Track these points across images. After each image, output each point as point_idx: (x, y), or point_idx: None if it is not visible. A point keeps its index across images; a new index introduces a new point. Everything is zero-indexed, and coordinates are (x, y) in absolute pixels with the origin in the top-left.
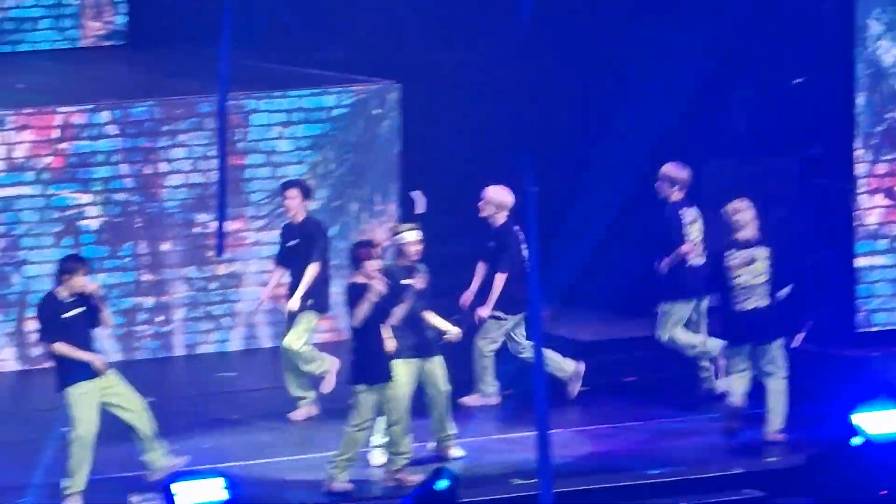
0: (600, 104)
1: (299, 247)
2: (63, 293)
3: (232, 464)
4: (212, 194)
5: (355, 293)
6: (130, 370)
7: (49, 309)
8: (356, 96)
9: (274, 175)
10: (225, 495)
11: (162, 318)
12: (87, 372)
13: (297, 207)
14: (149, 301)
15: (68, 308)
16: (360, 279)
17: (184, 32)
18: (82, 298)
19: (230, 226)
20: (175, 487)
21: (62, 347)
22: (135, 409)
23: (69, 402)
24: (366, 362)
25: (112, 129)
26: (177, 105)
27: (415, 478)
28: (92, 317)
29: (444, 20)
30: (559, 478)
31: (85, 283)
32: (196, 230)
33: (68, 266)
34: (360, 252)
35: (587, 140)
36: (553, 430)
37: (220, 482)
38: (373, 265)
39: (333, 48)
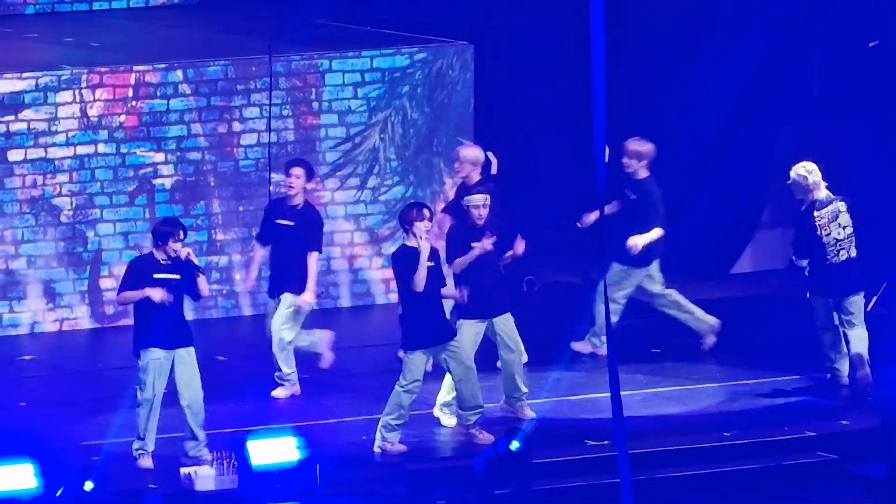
0: (674, 67)
1: (295, 229)
2: (159, 255)
3: (302, 423)
4: (285, 153)
5: (408, 257)
6: (203, 329)
7: (141, 265)
8: (430, 56)
9: (348, 135)
10: (298, 454)
11: (236, 277)
12: (162, 340)
13: (299, 187)
14: (222, 260)
15: (162, 270)
16: (411, 242)
17: None
18: (179, 265)
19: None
20: (250, 445)
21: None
22: (192, 394)
23: (140, 365)
24: (421, 327)
25: (186, 88)
26: (250, 64)
27: (487, 436)
28: (186, 285)
29: None
30: (633, 439)
31: (179, 247)
32: (270, 189)
33: (163, 230)
34: (410, 215)
35: (660, 104)
36: (628, 392)
37: (293, 441)
38: (422, 227)
39: (407, 8)
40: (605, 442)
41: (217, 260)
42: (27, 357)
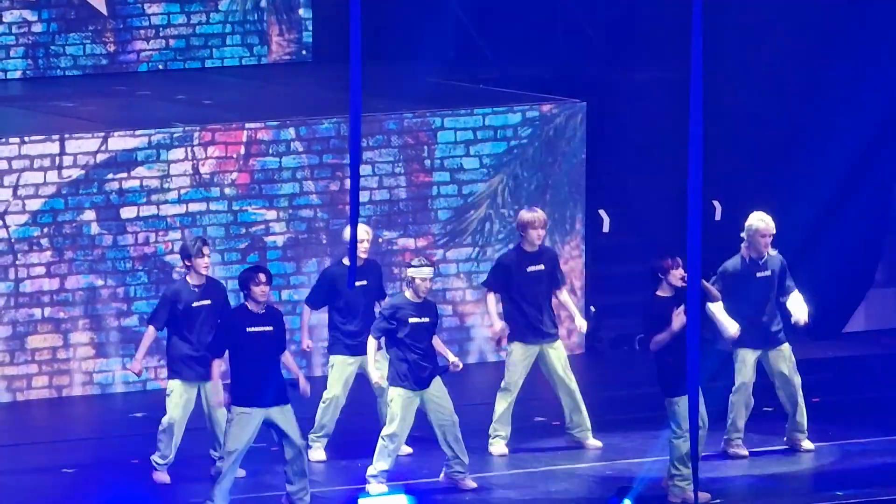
0: (791, 122)
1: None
2: (251, 305)
3: (417, 481)
4: (397, 211)
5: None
6: (315, 385)
7: (234, 318)
8: (542, 114)
9: (460, 192)
10: None
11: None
12: (256, 399)
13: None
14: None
15: (255, 322)
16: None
17: (369, 50)
18: (271, 315)
19: (417, 243)
20: (362, 503)
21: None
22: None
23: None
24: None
25: (298, 146)
26: (363, 122)
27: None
28: (277, 337)
29: (629, 38)
30: (749, 499)
31: (264, 291)
32: (382, 247)
33: (242, 277)
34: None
35: (779, 158)
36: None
37: (404, 499)
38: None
39: (520, 66)
40: (718, 501)
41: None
42: (139, 414)
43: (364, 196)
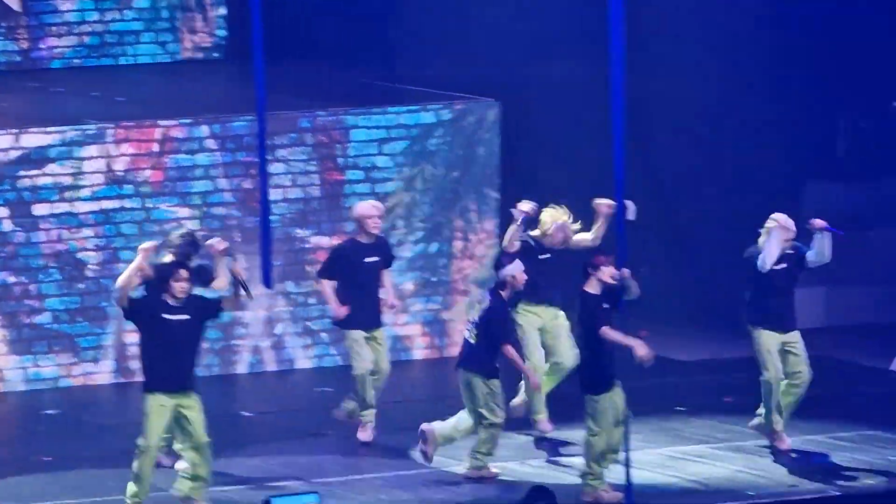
0: (702, 123)
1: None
2: (168, 298)
3: (328, 479)
4: (311, 209)
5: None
6: (228, 384)
7: (148, 307)
8: (456, 113)
9: (373, 191)
10: None
11: (260, 332)
12: (165, 384)
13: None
14: (247, 315)
15: (171, 311)
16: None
17: (283, 48)
18: (189, 304)
19: (331, 241)
20: None
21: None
22: (197, 443)
23: (143, 409)
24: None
25: (211, 143)
26: (276, 120)
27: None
28: (194, 326)
29: (542, 37)
30: (656, 499)
31: (184, 287)
32: (295, 245)
33: (166, 270)
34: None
35: (689, 157)
36: (648, 450)
37: (314, 500)
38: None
39: (433, 65)
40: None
41: (241, 315)
42: (52, 411)
43: (278, 194)
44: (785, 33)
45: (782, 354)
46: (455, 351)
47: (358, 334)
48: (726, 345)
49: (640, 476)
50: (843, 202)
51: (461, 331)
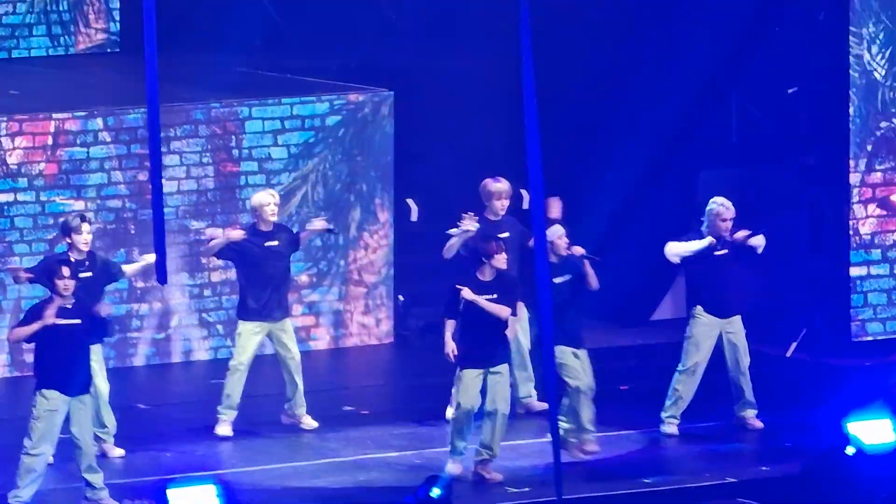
0: (595, 114)
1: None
2: (59, 299)
3: (226, 471)
4: (205, 201)
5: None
6: (125, 376)
7: (39, 306)
8: (350, 104)
9: (268, 182)
10: (217, 502)
11: (156, 324)
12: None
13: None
14: (143, 308)
15: (62, 313)
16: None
17: (176, 39)
18: (79, 307)
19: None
20: (170, 493)
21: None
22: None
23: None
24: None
25: (106, 136)
26: (170, 112)
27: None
28: (86, 329)
29: (436, 28)
30: (553, 485)
31: (68, 284)
32: (190, 237)
33: (49, 268)
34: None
35: (583, 148)
36: (545, 439)
37: (213, 489)
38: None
39: (327, 56)
40: (526, 489)
41: (137, 308)
42: None
43: (172, 186)
44: (675, 21)
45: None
46: (351, 341)
47: (249, 326)
48: (621, 333)
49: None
50: (737, 189)
51: (357, 321)
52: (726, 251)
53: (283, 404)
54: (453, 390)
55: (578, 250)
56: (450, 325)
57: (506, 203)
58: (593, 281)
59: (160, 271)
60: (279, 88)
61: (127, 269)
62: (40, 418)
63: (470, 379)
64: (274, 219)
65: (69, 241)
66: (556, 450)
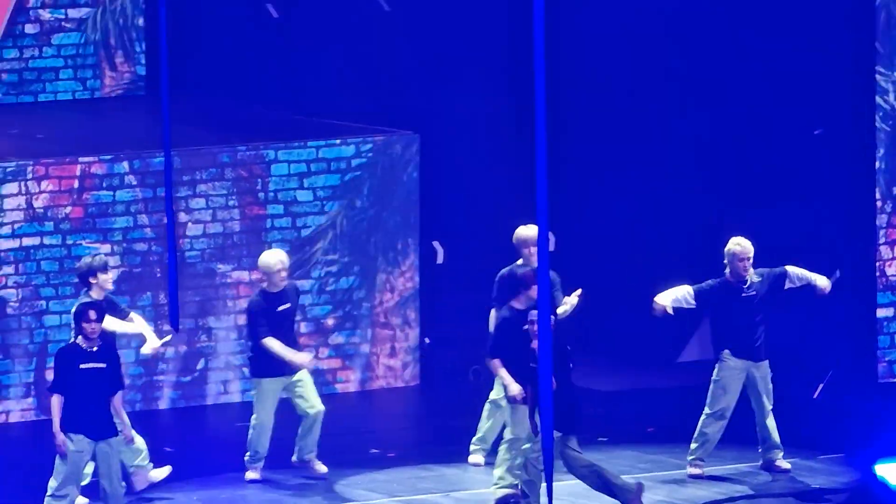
0: (617, 159)
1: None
2: (81, 342)
3: None
4: (231, 244)
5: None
6: (151, 420)
7: (67, 355)
8: (375, 146)
9: (294, 225)
10: None
11: (182, 367)
12: (87, 428)
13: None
14: (169, 351)
15: (87, 358)
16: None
17: (201, 83)
18: (104, 351)
19: (251, 275)
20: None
21: (55, 401)
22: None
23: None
24: None
25: (132, 179)
26: (196, 155)
27: None
28: (112, 374)
29: (460, 70)
30: None
31: (96, 328)
32: (216, 280)
33: (75, 314)
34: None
35: (606, 193)
36: (570, 480)
37: None
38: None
39: (352, 99)
40: None
41: (163, 351)
42: None
43: (198, 229)
44: (698, 63)
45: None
46: (377, 384)
47: (267, 383)
48: (647, 375)
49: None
50: (762, 230)
51: (383, 363)
52: (754, 293)
53: (295, 446)
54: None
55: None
56: (498, 365)
57: (285, 275)
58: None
59: (173, 318)
60: (305, 131)
61: (132, 321)
62: (65, 460)
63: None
64: (285, 283)
65: (93, 282)
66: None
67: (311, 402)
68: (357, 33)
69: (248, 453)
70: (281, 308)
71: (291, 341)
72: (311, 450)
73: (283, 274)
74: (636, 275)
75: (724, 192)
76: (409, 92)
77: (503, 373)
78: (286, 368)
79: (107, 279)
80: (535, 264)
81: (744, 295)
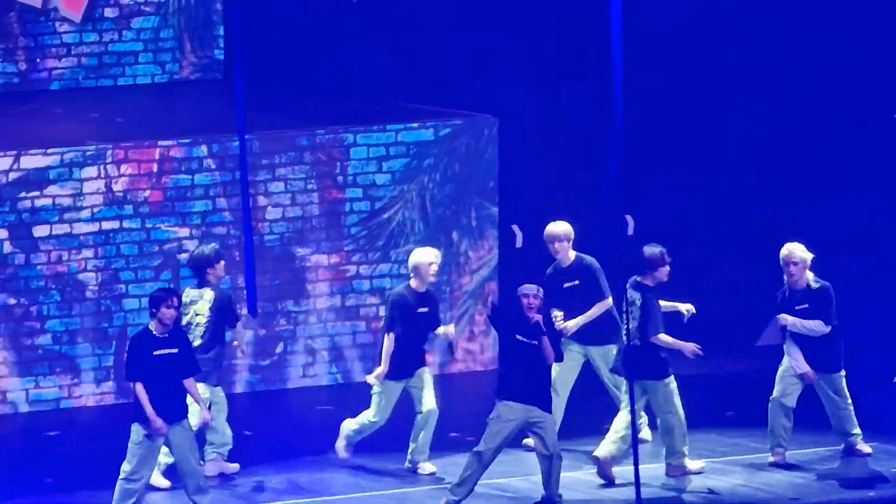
0: (698, 144)
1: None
2: (155, 328)
3: (333, 497)
4: (310, 228)
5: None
6: (229, 403)
7: (141, 342)
8: (454, 130)
9: (372, 208)
10: None
11: (261, 351)
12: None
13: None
14: (248, 334)
15: (160, 345)
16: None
17: (280, 69)
18: (176, 337)
19: (330, 259)
20: None
21: (139, 389)
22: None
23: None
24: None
25: (210, 163)
26: (275, 139)
27: None
28: (183, 358)
29: (539, 54)
30: None
31: (173, 314)
32: (295, 264)
33: (153, 298)
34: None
35: (698, 172)
36: (652, 465)
37: None
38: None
39: (431, 83)
40: None
41: (241, 334)
42: (52, 433)
43: (277, 213)
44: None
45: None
46: (456, 367)
47: (391, 385)
48: (727, 359)
49: (645, 492)
50: (815, 222)
51: (462, 347)
52: (806, 304)
53: (408, 446)
54: None
55: (537, 317)
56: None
57: (566, 246)
58: (549, 356)
59: (251, 302)
60: (384, 115)
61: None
62: (139, 444)
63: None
64: (433, 279)
65: (210, 272)
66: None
67: (426, 401)
68: (436, 17)
69: (346, 437)
70: (421, 310)
71: (424, 341)
72: (422, 450)
73: (436, 269)
74: (717, 258)
75: (779, 186)
76: (487, 75)
77: (671, 341)
78: (409, 371)
79: (221, 267)
80: (563, 259)
81: (797, 307)
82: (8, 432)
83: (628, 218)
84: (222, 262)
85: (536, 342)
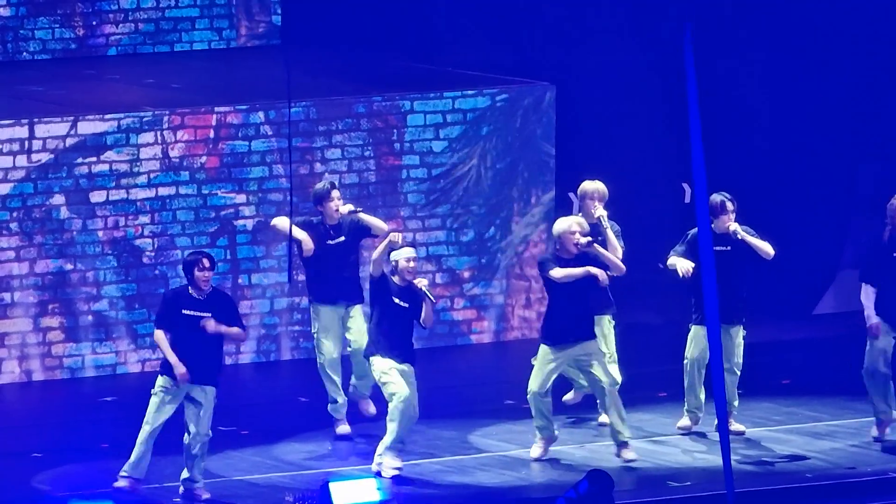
0: (757, 107)
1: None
2: (192, 290)
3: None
4: (367, 195)
5: None
6: (283, 369)
7: (174, 299)
8: (511, 97)
9: (429, 175)
10: (378, 496)
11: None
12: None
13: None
14: (303, 301)
15: (192, 306)
16: None
17: (337, 33)
18: (212, 300)
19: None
20: (332, 487)
21: (159, 336)
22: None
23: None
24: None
25: (267, 129)
26: (332, 105)
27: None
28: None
29: (598, 21)
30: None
31: (207, 277)
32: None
33: (187, 261)
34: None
35: (743, 139)
36: (705, 431)
37: (373, 483)
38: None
39: (488, 50)
40: (688, 483)
41: (299, 301)
42: (109, 398)
43: (334, 179)
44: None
45: None
46: (512, 335)
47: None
48: (783, 327)
49: (703, 459)
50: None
51: (518, 315)
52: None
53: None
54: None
55: (422, 282)
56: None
57: (598, 205)
58: (428, 318)
59: (290, 271)
60: (441, 82)
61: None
62: (154, 394)
63: None
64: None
65: (320, 210)
66: (725, 445)
67: (599, 376)
68: None
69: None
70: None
71: (588, 306)
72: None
73: (580, 238)
74: (774, 225)
75: (861, 144)
76: (546, 42)
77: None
78: (576, 338)
79: (332, 206)
80: (595, 216)
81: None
82: (65, 398)
83: (685, 186)
84: (336, 193)
85: None
